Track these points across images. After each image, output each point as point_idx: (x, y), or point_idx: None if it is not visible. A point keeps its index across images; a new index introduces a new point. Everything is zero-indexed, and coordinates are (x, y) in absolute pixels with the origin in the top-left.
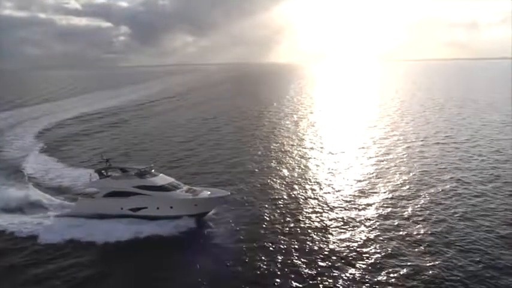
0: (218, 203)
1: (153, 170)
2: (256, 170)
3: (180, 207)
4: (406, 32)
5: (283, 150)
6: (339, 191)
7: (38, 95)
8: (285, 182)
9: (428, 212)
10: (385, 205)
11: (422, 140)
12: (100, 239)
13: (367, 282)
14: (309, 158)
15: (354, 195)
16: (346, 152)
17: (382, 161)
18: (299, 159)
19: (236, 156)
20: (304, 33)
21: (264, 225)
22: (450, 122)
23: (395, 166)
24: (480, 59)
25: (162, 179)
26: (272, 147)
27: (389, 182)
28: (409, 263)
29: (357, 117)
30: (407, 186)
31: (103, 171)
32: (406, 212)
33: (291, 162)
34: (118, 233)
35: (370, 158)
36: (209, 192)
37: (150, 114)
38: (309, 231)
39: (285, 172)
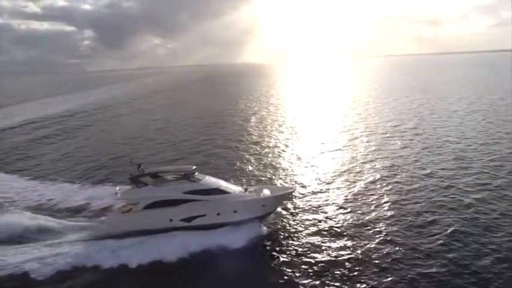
0: (284, 200)
1: (196, 173)
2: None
3: (246, 210)
4: (373, 29)
5: (249, 144)
6: (307, 185)
7: None
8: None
9: (396, 200)
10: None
11: (386, 131)
12: (169, 257)
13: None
14: (275, 149)
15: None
16: (314, 144)
17: (351, 153)
18: (265, 152)
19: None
20: (274, 32)
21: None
22: (412, 113)
23: (365, 159)
24: (444, 53)
25: (213, 180)
26: (238, 141)
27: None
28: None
29: (324, 112)
30: (375, 178)
31: (138, 179)
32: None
33: (255, 157)
34: (186, 247)
35: (337, 150)
36: (267, 190)
37: (117, 116)
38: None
39: (248, 166)
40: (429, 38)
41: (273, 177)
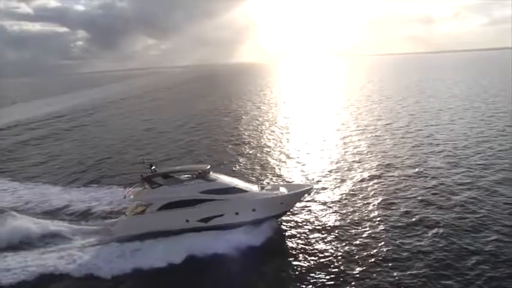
0: (301, 198)
1: (211, 172)
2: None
3: (265, 208)
4: (366, 28)
5: (239, 144)
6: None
7: None
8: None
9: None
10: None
11: (377, 130)
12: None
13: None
14: (264, 148)
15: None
16: (307, 143)
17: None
18: (259, 149)
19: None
20: (267, 32)
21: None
22: (404, 111)
23: (355, 158)
24: (437, 52)
25: (229, 179)
26: (228, 141)
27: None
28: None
29: (316, 111)
30: (365, 179)
31: (152, 179)
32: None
33: (246, 157)
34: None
35: (332, 147)
36: (283, 188)
37: (107, 117)
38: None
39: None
40: (422, 37)
41: (261, 176)
